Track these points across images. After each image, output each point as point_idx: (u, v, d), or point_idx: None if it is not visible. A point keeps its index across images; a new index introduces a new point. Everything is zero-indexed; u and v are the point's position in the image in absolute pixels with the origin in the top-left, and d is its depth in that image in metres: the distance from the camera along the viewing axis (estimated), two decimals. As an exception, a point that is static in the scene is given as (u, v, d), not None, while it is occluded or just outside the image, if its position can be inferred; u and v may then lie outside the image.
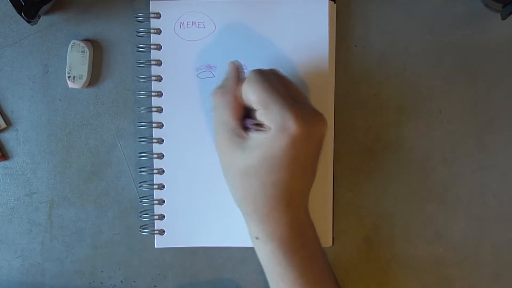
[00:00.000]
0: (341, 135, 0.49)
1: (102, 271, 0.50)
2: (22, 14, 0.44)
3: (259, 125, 0.39)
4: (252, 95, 0.39)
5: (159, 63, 0.48)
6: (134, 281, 0.50)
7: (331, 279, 0.43)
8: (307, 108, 0.41)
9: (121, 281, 0.50)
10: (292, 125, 0.38)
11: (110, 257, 0.50)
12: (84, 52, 0.48)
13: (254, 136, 0.39)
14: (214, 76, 0.48)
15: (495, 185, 0.49)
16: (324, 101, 0.48)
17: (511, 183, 0.49)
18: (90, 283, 0.50)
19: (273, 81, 0.40)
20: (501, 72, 0.49)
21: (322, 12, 0.47)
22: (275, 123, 0.38)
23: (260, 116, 0.39)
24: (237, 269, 0.50)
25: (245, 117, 0.41)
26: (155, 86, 0.48)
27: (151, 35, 0.48)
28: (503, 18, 0.45)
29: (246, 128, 0.40)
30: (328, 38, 0.47)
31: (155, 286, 0.51)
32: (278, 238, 0.40)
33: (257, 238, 0.41)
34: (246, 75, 0.42)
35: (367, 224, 0.49)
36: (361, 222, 0.50)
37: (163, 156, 0.49)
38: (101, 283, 0.50)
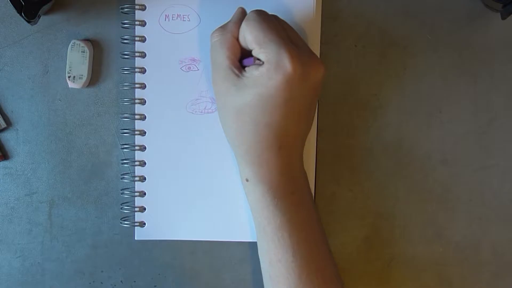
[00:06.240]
0: (341, 135, 0.49)
1: (102, 271, 0.50)
2: (22, 14, 0.44)
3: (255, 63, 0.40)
4: (249, 34, 0.39)
5: (143, 55, 0.48)
6: (134, 281, 0.50)
7: (319, 227, 0.43)
8: (305, 51, 0.40)
9: (121, 281, 0.50)
10: (287, 64, 0.37)
11: (110, 257, 0.50)
12: (84, 52, 0.48)
13: (249, 74, 0.39)
14: (198, 70, 0.48)
15: (495, 185, 0.49)
16: None
17: (511, 183, 0.49)
18: (90, 283, 0.50)
19: (272, 22, 0.40)
20: (501, 72, 0.49)
21: (308, 7, 0.47)
22: (270, 60, 0.38)
23: (256, 54, 0.39)
24: (237, 269, 0.50)
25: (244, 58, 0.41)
26: (138, 78, 0.48)
27: (136, 27, 0.48)
28: (503, 18, 0.45)
29: (243, 68, 0.41)
30: (314, 33, 0.47)
31: (155, 286, 0.51)
32: (268, 181, 0.41)
33: (247, 180, 0.41)
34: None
35: (367, 224, 0.49)
36: (361, 222, 0.50)
37: (145, 148, 0.49)
38: (101, 283, 0.50)
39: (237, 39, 0.41)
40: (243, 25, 0.40)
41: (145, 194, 0.49)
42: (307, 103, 0.41)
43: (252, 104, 0.39)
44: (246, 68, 0.40)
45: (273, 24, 0.40)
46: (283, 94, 0.38)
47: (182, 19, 0.48)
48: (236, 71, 0.40)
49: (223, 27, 0.42)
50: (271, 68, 0.38)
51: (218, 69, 0.41)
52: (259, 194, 0.41)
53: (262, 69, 0.38)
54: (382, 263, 0.50)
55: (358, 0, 0.48)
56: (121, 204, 0.49)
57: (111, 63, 0.49)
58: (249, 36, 0.39)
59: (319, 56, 0.48)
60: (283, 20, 0.42)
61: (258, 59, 0.39)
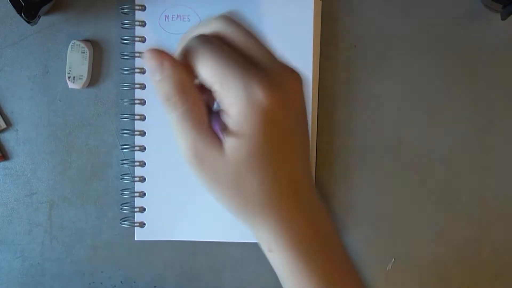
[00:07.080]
0: (341, 135, 0.49)
1: (102, 272, 0.50)
2: (22, 14, 0.44)
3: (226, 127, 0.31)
4: (203, 71, 0.30)
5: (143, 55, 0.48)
6: (134, 282, 0.50)
7: (354, 271, 0.35)
8: (272, 65, 0.31)
9: (121, 282, 0.50)
10: (259, 93, 0.29)
11: (110, 257, 0.50)
12: (84, 52, 0.48)
13: (227, 131, 0.31)
14: None
15: (495, 185, 0.49)
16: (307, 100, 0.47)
17: (511, 183, 0.49)
18: (90, 284, 0.50)
19: (223, 47, 0.31)
20: (501, 72, 0.49)
21: (307, 7, 0.47)
22: (239, 98, 0.29)
23: (219, 96, 0.30)
24: (237, 269, 0.50)
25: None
26: (138, 78, 0.48)
27: (136, 27, 0.48)
28: (503, 19, 0.45)
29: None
30: (313, 34, 0.47)
31: (155, 286, 0.50)
32: (295, 246, 0.33)
33: (270, 251, 0.34)
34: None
35: (367, 224, 0.49)
36: (361, 222, 0.50)
37: (145, 148, 0.49)
38: (101, 283, 0.50)
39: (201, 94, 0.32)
40: (197, 62, 0.31)
41: (145, 194, 0.49)
42: (300, 126, 0.33)
43: (246, 164, 0.31)
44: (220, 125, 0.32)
45: (226, 51, 0.31)
46: (271, 134, 0.30)
47: (182, 19, 0.48)
48: (215, 140, 0.31)
49: (176, 94, 0.32)
50: (244, 109, 0.29)
51: (191, 145, 0.32)
52: (287, 262, 0.33)
53: (234, 116, 0.30)
54: (382, 263, 0.50)
55: (358, 0, 0.48)
56: (121, 205, 0.49)
57: (111, 63, 0.49)
58: (205, 73, 0.30)
59: (318, 57, 0.48)
60: (232, 25, 0.33)
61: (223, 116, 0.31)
